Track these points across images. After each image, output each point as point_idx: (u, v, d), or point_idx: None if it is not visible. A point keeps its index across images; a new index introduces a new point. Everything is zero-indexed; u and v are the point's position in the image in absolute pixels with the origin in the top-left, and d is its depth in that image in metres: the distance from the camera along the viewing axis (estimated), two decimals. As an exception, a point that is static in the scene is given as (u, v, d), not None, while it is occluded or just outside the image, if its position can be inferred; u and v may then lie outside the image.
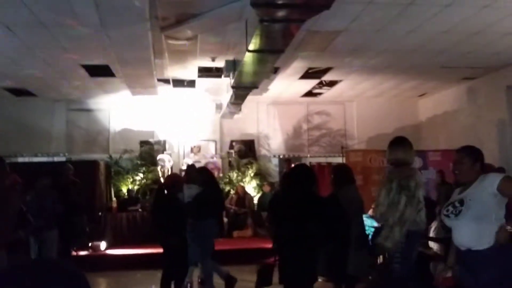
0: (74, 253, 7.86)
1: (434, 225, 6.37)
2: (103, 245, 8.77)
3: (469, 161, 3.26)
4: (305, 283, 4.21)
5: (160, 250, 6.19)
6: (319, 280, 7.29)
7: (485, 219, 3.06)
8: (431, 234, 6.34)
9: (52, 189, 6.16)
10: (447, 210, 3.24)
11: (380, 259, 5.39)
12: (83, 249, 8.40)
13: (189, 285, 6.42)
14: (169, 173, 10.74)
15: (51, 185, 6.18)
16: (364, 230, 5.29)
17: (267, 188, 11.00)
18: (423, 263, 4.99)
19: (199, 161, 11.25)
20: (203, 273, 6.43)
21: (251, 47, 5.76)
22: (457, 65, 9.03)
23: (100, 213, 9.63)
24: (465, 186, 3.28)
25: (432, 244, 6.46)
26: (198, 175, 6.61)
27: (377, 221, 4.11)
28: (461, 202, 3.16)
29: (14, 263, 1.06)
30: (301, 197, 4.18)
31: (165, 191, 6.08)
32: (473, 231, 3.08)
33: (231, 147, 12.14)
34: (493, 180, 3.10)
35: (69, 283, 1.00)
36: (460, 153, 3.34)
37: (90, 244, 8.62)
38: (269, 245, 8.07)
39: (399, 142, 4.23)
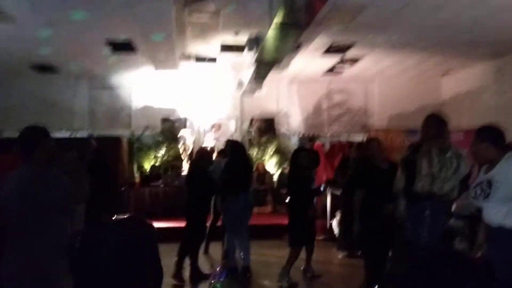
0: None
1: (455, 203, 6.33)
2: (126, 219, 8.95)
3: (477, 142, 3.27)
4: None
5: (182, 224, 6.33)
6: (339, 256, 7.40)
7: None
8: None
9: (81, 162, 6.21)
10: (475, 192, 3.23)
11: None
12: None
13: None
14: (190, 150, 10.88)
15: (78, 158, 6.24)
16: None
17: (287, 169, 11.02)
18: (448, 238, 4.99)
19: (219, 139, 11.33)
20: (226, 246, 6.54)
21: (276, 21, 5.70)
22: (483, 40, 8.81)
23: (122, 188, 9.80)
24: (491, 164, 3.23)
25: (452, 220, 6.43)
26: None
27: (424, 193, 4.09)
28: (489, 184, 3.12)
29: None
30: None
31: (196, 165, 6.27)
32: (503, 212, 3.06)
33: (251, 124, 12.16)
34: None
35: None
36: (473, 135, 3.34)
37: (113, 218, 8.78)
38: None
39: (433, 117, 4.33)
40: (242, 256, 6.27)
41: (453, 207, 6.28)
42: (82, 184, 3.19)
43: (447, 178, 3.97)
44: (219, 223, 7.23)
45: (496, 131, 3.29)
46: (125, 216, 1.32)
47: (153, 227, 1.38)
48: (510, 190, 3.05)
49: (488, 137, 3.25)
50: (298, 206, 5.86)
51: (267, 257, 7.36)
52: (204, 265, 6.47)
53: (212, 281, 5.94)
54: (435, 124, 4.28)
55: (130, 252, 1.19)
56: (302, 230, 5.87)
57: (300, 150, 6.51)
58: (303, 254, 6.25)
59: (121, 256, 1.17)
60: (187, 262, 6.10)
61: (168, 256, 7.38)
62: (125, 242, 1.19)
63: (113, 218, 8.63)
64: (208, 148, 9.70)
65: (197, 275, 6.04)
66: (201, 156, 6.48)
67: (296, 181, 5.92)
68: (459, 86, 11.93)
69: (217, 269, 6.31)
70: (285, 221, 9.12)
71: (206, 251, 7.36)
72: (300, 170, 5.90)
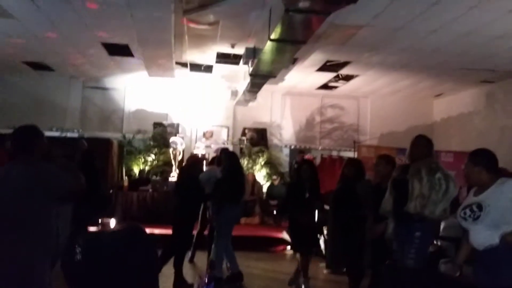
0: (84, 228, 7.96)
1: (443, 224, 6.39)
2: (112, 222, 8.91)
3: (470, 165, 3.32)
4: None
5: (169, 231, 6.31)
6: (324, 272, 7.42)
7: (504, 224, 3.06)
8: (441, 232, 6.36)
9: (70, 162, 6.17)
10: (464, 213, 3.25)
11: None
12: (93, 225, 8.51)
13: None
14: (181, 156, 10.86)
15: (67, 158, 6.22)
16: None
17: (276, 181, 11.09)
18: (433, 260, 5.02)
19: (210, 146, 11.37)
20: (213, 256, 6.53)
21: (273, 36, 5.76)
22: (476, 67, 8.97)
23: (111, 191, 9.75)
24: (481, 187, 3.28)
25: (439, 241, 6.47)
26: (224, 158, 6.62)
27: (416, 214, 4.12)
28: (480, 207, 3.15)
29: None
30: None
31: (187, 172, 6.26)
32: (491, 236, 3.10)
33: (244, 134, 12.20)
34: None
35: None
36: (467, 158, 3.39)
37: (100, 221, 8.74)
38: (275, 234, 8.23)
39: (421, 139, 4.35)
40: (229, 265, 6.28)
41: (441, 228, 6.34)
42: (77, 174, 3.28)
43: (438, 200, 3.99)
44: (204, 232, 7.23)
45: (489, 156, 3.34)
46: (124, 225, 1.35)
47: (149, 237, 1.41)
48: (500, 215, 3.08)
49: (481, 161, 3.29)
50: (293, 213, 6.01)
51: (252, 269, 7.33)
52: (188, 274, 6.45)
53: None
54: (423, 144, 4.32)
55: (128, 262, 1.22)
56: (296, 237, 6.09)
57: (304, 162, 6.72)
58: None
59: (119, 266, 1.20)
60: (170, 270, 6.08)
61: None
62: (124, 253, 1.22)
63: (104, 221, 8.61)
64: (200, 156, 9.73)
65: (181, 284, 6.01)
66: (192, 163, 6.48)
67: (295, 189, 6.10)
68: (450, 108, 12.10)
69: (204, 279, 6.27)
70: (272, 233, 9.20)
71: (191, 260, 7.34)
72: (300, 180, 6.08)
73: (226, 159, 6.45)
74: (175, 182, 7.10)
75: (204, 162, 10.11)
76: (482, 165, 3.27)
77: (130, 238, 1.24)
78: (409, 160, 4.43)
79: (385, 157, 5.40)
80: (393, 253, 4.32)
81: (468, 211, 3.23)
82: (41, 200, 2.90)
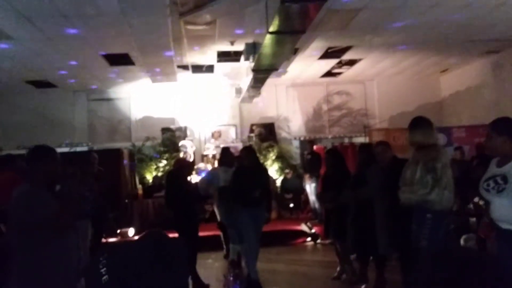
0: (104, 240, 7.99)
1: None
2: (131, 231, 8.93)
3: (494, 135, 3.16)
4: None
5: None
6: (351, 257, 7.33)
7: None
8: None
9: (85, 177, 6.17)
10: (488, 185, 3.13)
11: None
12: (112, 236, 8.54)
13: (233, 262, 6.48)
14: (192, 158, 10.84)
15: (80, 173, 6.21)
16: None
17: (289, 174, 11.04)
18: (453, 237, 4.94)
19: (219, 146, 11.32)
20: (233, 255, 6.50)
21: (272, 29, 5.70)
22: (480, 38, 8.82)
23: (126, 201, 9.77)
24: (505, 158, 3.16)
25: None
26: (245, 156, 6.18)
27: (403, 204, 4.06)
28: (505, 179, 3.02)
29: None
30: None
31: (175, 176, 6.12)
32: None
33: (251, 131, 12.15)
34: None
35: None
36: (488, 127, 3.25)
37: (118, 231, 8.77)
38: (293, 227, 8.09)
39: (417, 124, 4.11)
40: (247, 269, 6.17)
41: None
42: (73, 204, 3.19)
43: (425, 193, 3.87)
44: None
45: None
46: (148, 233, 1.33)
47: (180, 242, 1.40)
48: None
49: (506, 130, 3.14)
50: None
51: (274, 263, 7.32)
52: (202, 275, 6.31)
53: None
54: (418, 130, 4.11)
55: (157, 271, 1.21)
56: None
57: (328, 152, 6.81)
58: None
59: (147, 276, 1.19)
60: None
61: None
62: (151, 261, 1.21)
63: (123, 231, 8.61)
64: (187, 159, 9.57)
65: (198, 286, 5.94)
66: (178, 168, 6.27)
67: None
68: (458, 83, 11.94)
69: (229, 278, 6.17)
70: (291, 226, 9.17)
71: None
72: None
73: (251, 156, 6.06)
74: (164, 189, 6.82)
75: (216, 162, 10.08)
76: (507, 134, 3.14)
77: (154, 246, 1.22)
78: (411, 145, 4.26)
79: (382, 143, 5.34)
80: (411, 234, 4.24)
81: (492, 183, 3.11)
82: (24, 225, 2.85)
